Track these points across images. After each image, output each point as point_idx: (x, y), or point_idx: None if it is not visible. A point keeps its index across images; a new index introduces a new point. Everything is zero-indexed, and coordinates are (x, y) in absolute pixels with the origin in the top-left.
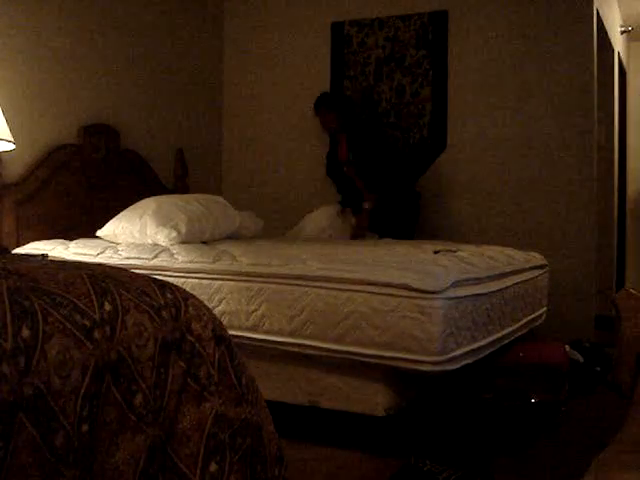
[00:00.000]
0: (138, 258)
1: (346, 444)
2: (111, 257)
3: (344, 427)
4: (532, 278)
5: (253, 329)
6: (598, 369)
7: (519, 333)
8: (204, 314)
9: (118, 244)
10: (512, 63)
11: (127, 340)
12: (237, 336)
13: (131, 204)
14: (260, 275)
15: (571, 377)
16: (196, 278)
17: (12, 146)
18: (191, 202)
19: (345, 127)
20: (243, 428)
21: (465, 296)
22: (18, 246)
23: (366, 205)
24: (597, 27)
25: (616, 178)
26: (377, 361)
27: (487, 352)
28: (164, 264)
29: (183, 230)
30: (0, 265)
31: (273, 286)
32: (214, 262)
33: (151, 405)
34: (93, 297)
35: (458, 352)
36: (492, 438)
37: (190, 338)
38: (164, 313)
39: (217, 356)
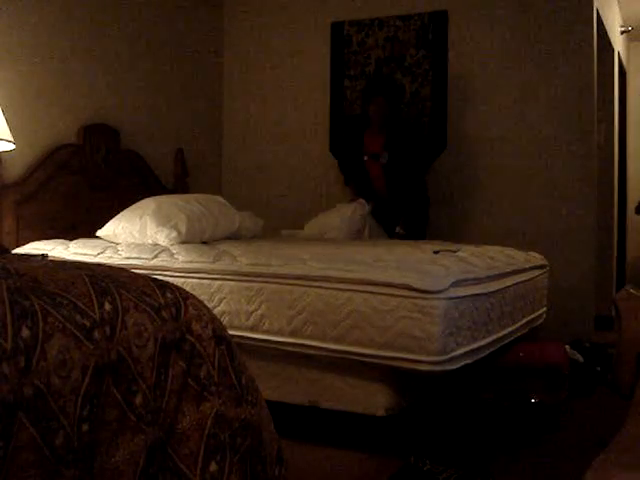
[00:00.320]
0: (138, 258)
1: (346, 444)
2: (111, 257)
3: (344, 427)
4: (532, 278)
5: (253, 329)
6: (598, 369)
7: (519, 333)
8: (204, 314)
9: (118, 244)
10: (512, 63)
11: (127, 340)
12: (237, 336)
13: (131, 204)
14: (260, 275)
15: (571, 377)
16: (196, 278)
17: (12, 146)
18: (191, 202)
19: (389, 121)
20: (243, 428)
21: (465, 296)
22: (18, 246)
23: (398, 230)
24: (597, 27)
25: (616, 178)
26: (377, 361)
27: (487, 352)
28: (164, 264)
29: (183, 230)
30: (0, 265)
31: (273, 286)
32: (214, 262)
33: (151, 405)
34: (93, 297)
35: (458, 352)
36: (492, 438)
37: (190, 338)
38: (164, 313)
39: (217, 356)
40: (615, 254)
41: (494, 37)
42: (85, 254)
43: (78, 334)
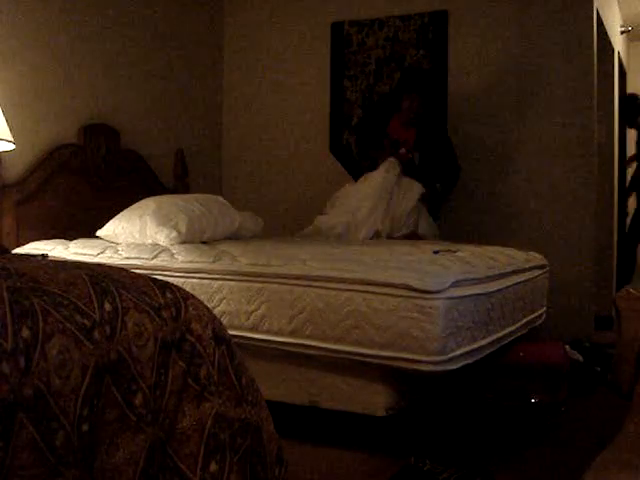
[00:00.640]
0: (138, 258)
1: (346, 444)
2: (111, 257)
3: (344, 427)
4: (532, 278)
5: (253, 329)
6: (598, 369)
7: (519, 333)
8: (204, 314)
9: (118, 244)
10: (512, 63)
11: (127, 340)
12: (237, 336)
13: (131, 204)
14: (260, 275)
15: (571, 377)
16: (196, 278)
17: (12, 146)
18: (191, 202)
19: (421, 119)
20: (243, 428)
21: (465, 296)
22: (18, 246)
23: (403, 151)
24: (597, 27)
25: (616, 178)
26: (377, 361)
27: (487, 352)
28: (164, 264)
29: (183, 230)
30: (0, 265)
31: (273, 286)
32: (214, 262)
33: (151, 405)
34: (93, 297)
35: (458, 352)
36: (492, 438)
37: (190, 338)
38: (164, 313)
39: (217, 356)
40: (615, 254)
41: (494, 37)
42: (85, 254)
43: (78, 334)
